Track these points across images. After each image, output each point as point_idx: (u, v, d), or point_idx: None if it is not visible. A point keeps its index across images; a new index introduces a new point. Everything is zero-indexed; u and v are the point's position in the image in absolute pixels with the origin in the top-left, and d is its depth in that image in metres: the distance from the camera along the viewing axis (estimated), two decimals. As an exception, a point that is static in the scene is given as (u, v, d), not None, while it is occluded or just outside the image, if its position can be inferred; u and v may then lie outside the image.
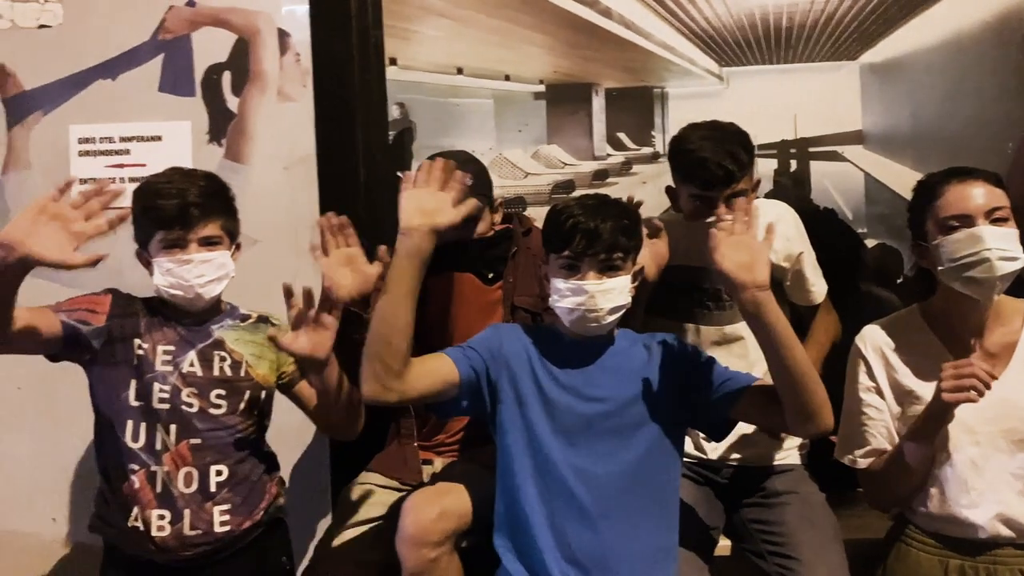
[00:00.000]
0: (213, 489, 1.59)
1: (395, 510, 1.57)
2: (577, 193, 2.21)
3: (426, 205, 1.39)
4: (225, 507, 1.59)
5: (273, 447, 1.76)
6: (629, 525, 1.44)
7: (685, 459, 1.74)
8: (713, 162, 1.65)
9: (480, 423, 1.77)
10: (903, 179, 2.18)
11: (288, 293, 1.51)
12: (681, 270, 1.75)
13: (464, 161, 1.82)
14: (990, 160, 2.09)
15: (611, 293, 1.43)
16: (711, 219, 1.66)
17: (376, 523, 1.71)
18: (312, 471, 2.16)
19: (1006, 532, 1.48)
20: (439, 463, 1.81)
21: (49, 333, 1.53)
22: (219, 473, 1.60)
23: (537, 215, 2.04)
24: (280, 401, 1.75)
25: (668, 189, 1.83)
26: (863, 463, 1.58)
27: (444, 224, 1.39)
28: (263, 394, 1.68)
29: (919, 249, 1.56)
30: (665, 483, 1.49)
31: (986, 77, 2.18)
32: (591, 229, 1.42)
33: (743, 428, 1.78)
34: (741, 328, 1.78)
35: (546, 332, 1.53)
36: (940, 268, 1.51)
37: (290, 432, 2.01)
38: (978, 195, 1.48)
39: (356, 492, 1.77)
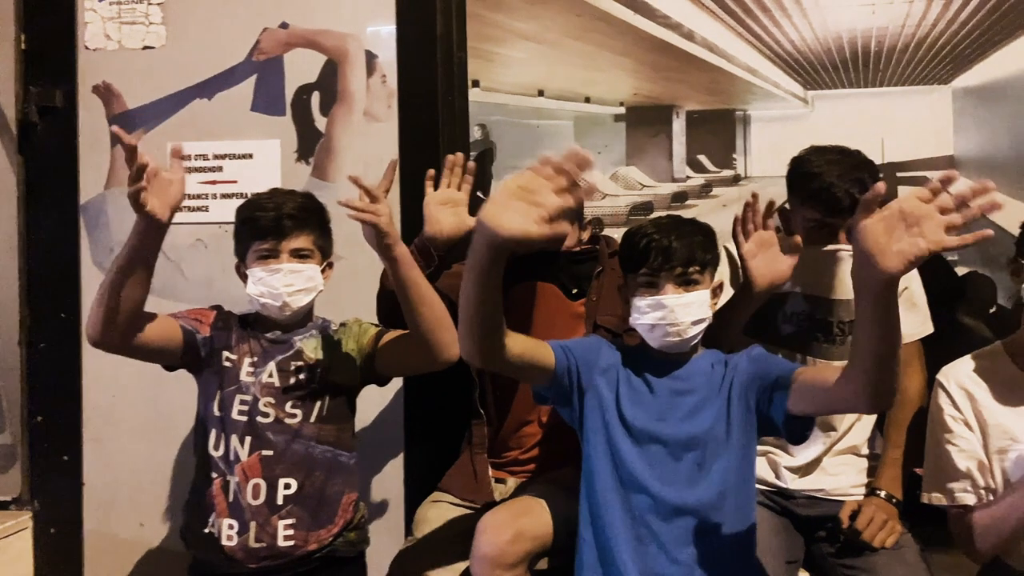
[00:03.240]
0: (280, 502, 1.62)
1: (469, 530, 1.58)
2: (654, 215, 2.21)
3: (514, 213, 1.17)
4: (290, 521, 1.62)
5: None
6: (708, 553, 1.42)
7: (763, 487, 1.72)
8: (840, 188, 1.61)
9: (555, 442, 1.81)
10: (998, 207, 2.11)
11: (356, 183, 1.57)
12: (791, 297, 1.71)
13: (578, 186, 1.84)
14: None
15: (691, 307, 1.43)
16: (829, 248, 1.63)
17: (451, 543, 1.70)
18: (385, 488, 2.20)
19: None
20: (512, 483, 1.82)
21: (175, 337, 1.63)
22: (287, 486, 1.63)
23: (615, 236, 2.05)
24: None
25: (781, 211, 1.79)
26: (962, 497, 1.51)
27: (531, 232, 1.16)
28: (342, 399, 1.71)
29: (1016, 265, 1.52)
30: (746, 504, 1.47)
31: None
32: (666, 246, 1.44)
33: (819, 452, 1.75)
34: None
35: (634, 352, 1.53)
36: None
37: (363, 446, 2.05)
38: None
39: (430, 512, 1.79)
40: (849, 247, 1.63)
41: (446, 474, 1.87)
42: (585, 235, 1.88)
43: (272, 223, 1.64)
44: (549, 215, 1.14)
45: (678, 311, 1.43)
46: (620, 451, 1.45)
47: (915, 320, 1.76)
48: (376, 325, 1.74)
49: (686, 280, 1.44)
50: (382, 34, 2.28)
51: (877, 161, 2.15)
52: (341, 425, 1.71)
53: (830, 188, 1.61)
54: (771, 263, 1.57)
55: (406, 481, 2.18)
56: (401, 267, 1.56)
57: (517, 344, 1.37)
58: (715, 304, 1.49)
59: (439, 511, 1.78)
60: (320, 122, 2.29)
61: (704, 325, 1.46)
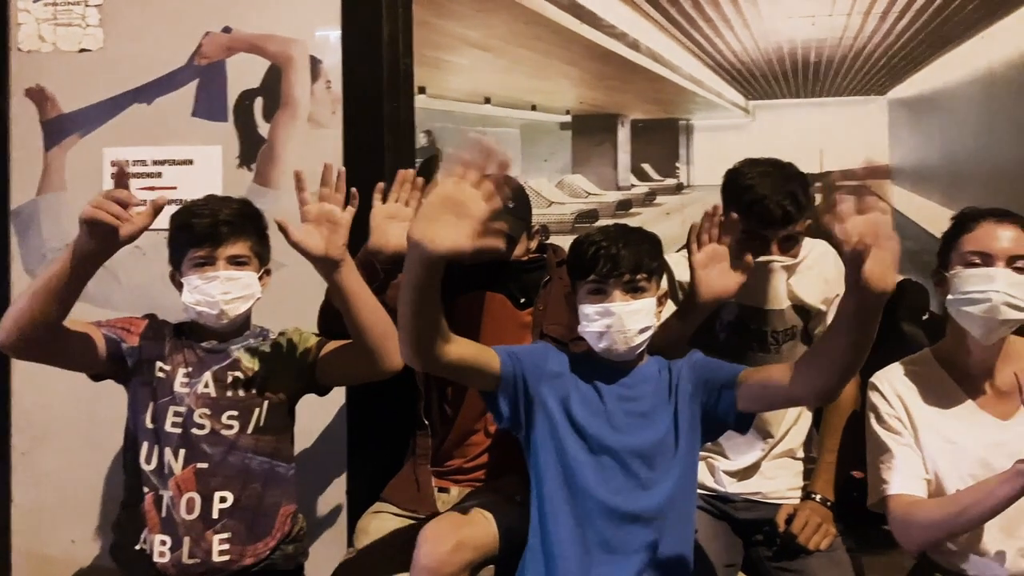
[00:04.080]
0: (215, 516, 1.58)
1: (411, 540, 1.56)
2: (600, 223, 2.23)
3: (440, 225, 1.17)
4: (225, 535, 1.58)
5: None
6: (653, 559, 1.43)
7: (702, 491, 1.73)
8: (772, 201, 1.63)
9: (501, 451, 1.80)
10: (930, 215, 2.17)
11: (298, 179, 1.54)
12: (727, 306, 1.73)
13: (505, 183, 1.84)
14: (1019, 197, 2.09)
15: (638, 314, 1.44)
16: (761, 259, 1.66)
17: (392, 554, 1.68)
18: (328, 499, 2.17)
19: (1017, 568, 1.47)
20: (456, 492, 1.80)
21: (96, 346, 1.59)
22: (223, 500, 1.59)
23: (560, 244, 2.06)
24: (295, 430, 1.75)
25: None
26: (903, 486, 1.52)
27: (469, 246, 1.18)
28: (281, 409, 1.68)
29: (938, 276, 1.57)
30: (689, 510, 1.49)
31: (1017, 114, 2.16)
32: (615, 253, 1.44)
33: (757, 458, 1.77)
34: None
35: (582, 359, 1.53)
36: (949, 297, 1.52)
37: (306, 458, 2.03)
38: (1006, 238, 1.49)
39: (371, 523, 1.77)
40: (781, 258, 1.67)
41: (388, 484, 1.85)
42: (533, 244, 1.88)
43: (208, 230, 1.60)
44: (481, 225, 1.13)
45: (626, 318, 1.44)
46: (569, 458, 1.45)
47: None
48: (316, 334, 1.72)
49: (634, 287, 1.45)
50: (327, 39, 2.26)
51: (815, 170, 2.21)
52: (279, 436, 1.68)
53: (763, 201, 1.63)
54: (720, 277, 1.58)
55: (349, 492, 2.16)
56: (345, 275, 1.54)
57: (460, 348, 1.36)
58: (660, 312, 1.50)
59: (380, 522, 1.76)
60: (263, 128, 2.26)
61: (650, 332, 1.47)
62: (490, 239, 1.15)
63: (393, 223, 1.74)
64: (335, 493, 2.18)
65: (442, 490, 1.81)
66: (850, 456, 1.75)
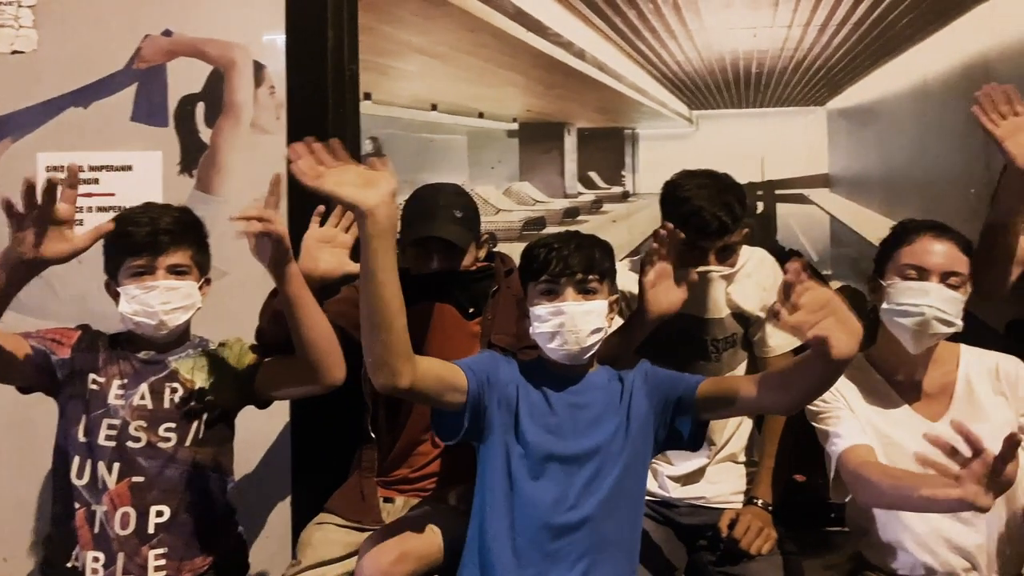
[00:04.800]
0: (151, 531, 1.55)
1: (355, 552, 1.54)
2: (547, 231, 2.24)
3: (360, 179, 1.32)
4: (162, 550, 1.55)
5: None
6: (597, 567, 1.43)
7: (646, 497, 1.74)
8: (708, 212, 1.65)
9: (448, 461, 1.80)
10: (868, 222, 2.22)
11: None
12: (670, 318, 1.75)
13: (455, 193, 1.85)
14: (953, 205, 2.16)
15: (590, 315, 1.45)
16: (700, 269, 1.69)
17: (335, 566, 1.67)
18: (272, 512, 2.13)
19: (946, 567, 1.51)
20: (401, 502, 1.79)
21: (24, 356, 1.54)
22: (160, 514, 1.56)
23: (508, 251, 2.06)
24: (238, 442, 1.72)
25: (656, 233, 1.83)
26: (847, 444, 1.53)
27: (395, 188, 1.32)
28: (220, 421, 1.65)
29: (874, 283, 1.60)
30: (634, 519, 1.49)
31: (951, 125, 2.22)
32: (567, 254, 1.46)
33: (701, 463, 1.79)
34: None
35: (531, 367, 1.53)
36: (883, 306, 1.56)
37: (250, 471, 1.99)
38: (942, 254, 1.53)
39: (314, 535, 1.74)
40: (720, 268, 1.69)
41: (333, 495, 1.82)
42: (482, 253, 1.88)
43: (147, 239, 1.57)
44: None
45: (578, 318, 1.44)
46: (514, 466, 1.45)
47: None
48: (255, 346, 1.69)
49: (585, 288, 1.46)
50: (271, 44, 2.23)
51: (756, 179, 2.26)
52: (219, 448, 1.65)
53: (699, 212, 1.66)
54: (666, 293, 1.60)
55: (294, 504, 2.13)
56: (292, 284, 1.52)
57: (428, 372, 1.37)
58: (611, 318, 1.51)
59: (324, 533, 1.73)
60: (205, 133, 2.22)
61: (601, 335, 1.48)
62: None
63: (325, 248, 1.73)
64: (280, 505, 2.14)
65: (387, 500, 1.80)
66: (792, 460, 1.78)
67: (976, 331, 1.68)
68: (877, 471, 1.47)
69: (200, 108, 2.23)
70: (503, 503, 1.44)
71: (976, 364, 1.60)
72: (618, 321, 1.65)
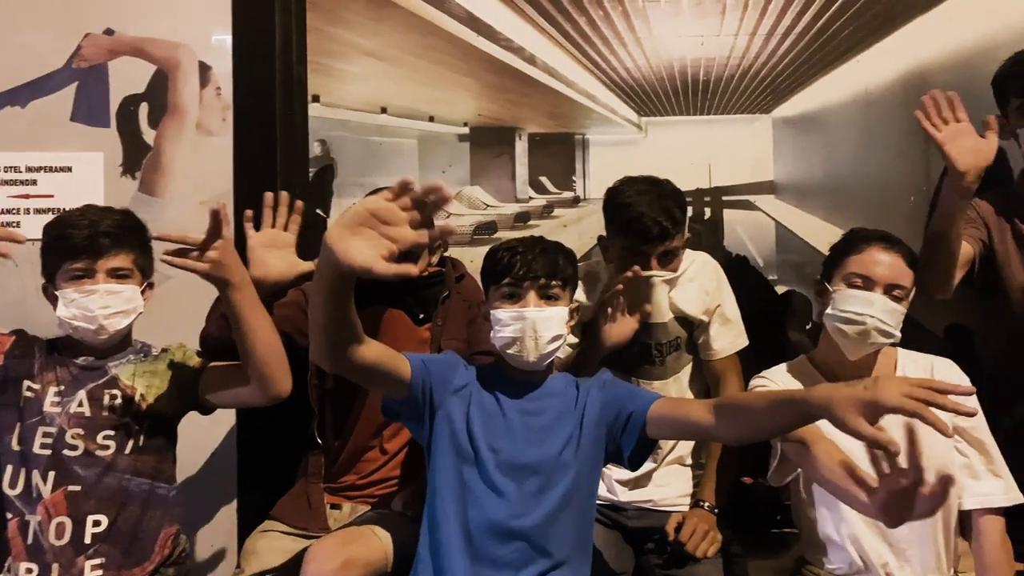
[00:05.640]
0: (88, 541, 1.51)
1: (300, 559, 1.52)
2: (498, 235, 2.24)
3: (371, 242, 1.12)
4: (98, 561, 1.51)
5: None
6: (546, 572, 1.42)
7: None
8: (649, 218, 1.68)
9: (395, 467, 1.78)
10: (812, 228, 2.27)
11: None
12: None
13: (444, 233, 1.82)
14: (894, 212, 2.22)
15: (551, 321, 1.45)
16: (643, 275, 1.70)
17: (281, 574, 1.64)
18: (216, 520, 2.10)
19: (879, 561, 1.54)
20: (348, 509, 1.77)
21: None
22: (97, 524, 1.52)
23: (458, 255, 2.06)
24: (182, 448, 1.68)
25: (600, 239, 1.85)
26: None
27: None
28: (162, 429, 1.61)
29: (820, 288, 1.63)
30: (585, 526, 1.49)
31: (892, 133, 2.28)
32: (531, 258, 1.46)
33: (649, 467, 1.81)
34: (671, 384, 1.83)
35: (488, 372, 1.52)
36: (828, 312, 1.59)
37: (194, 477, 1.95)
38: (889, 266, 1.56)
39: (259, 543, 1.71)
40: (662, 273, 1.72)
41: (278, 502, 1.80)
42: (434, 258, 1.87)
43: (86, 241, 1.53)
44: (398, 250, 1.08)
45: (539, 324, 1.44)
46: (465, 471, 1.44)
47: (730, 334, 1.86)
48: (200, 353, 1.66)
49: (548, 294, 1.46)
50: (217, 45, 2.19)
51: (704, 185, 2.29)
52: (160, 456, 1.61)
53: (640, 218, 1.68)
54: (619, 325, 1.65)
55: (239, 511, 2.09)
56: (236, 298, 1.49)
57: (373, 351, 1.34)
58: (571, 325, 1.51)
59: (269, 541, 1.71)
60: (148, 135, 2.18)
61: (560, 342, 1.48)
62: (404, 266, 1.08)
63: (272, 252, 1.69)
64: (226, 513, 2.10)
65: (334, 507, 1.78)
66: (738, 463, 1.81)
67: (916, 335, 1.72)
68: (821, 456, 1.47)
69: (143, 109, 2.18)
70: (455, 506, 1.43)
71: (912, 366, 1.63)
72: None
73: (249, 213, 1.73)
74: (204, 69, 2.19)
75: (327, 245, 1.11)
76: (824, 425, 1.22)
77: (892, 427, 1.54)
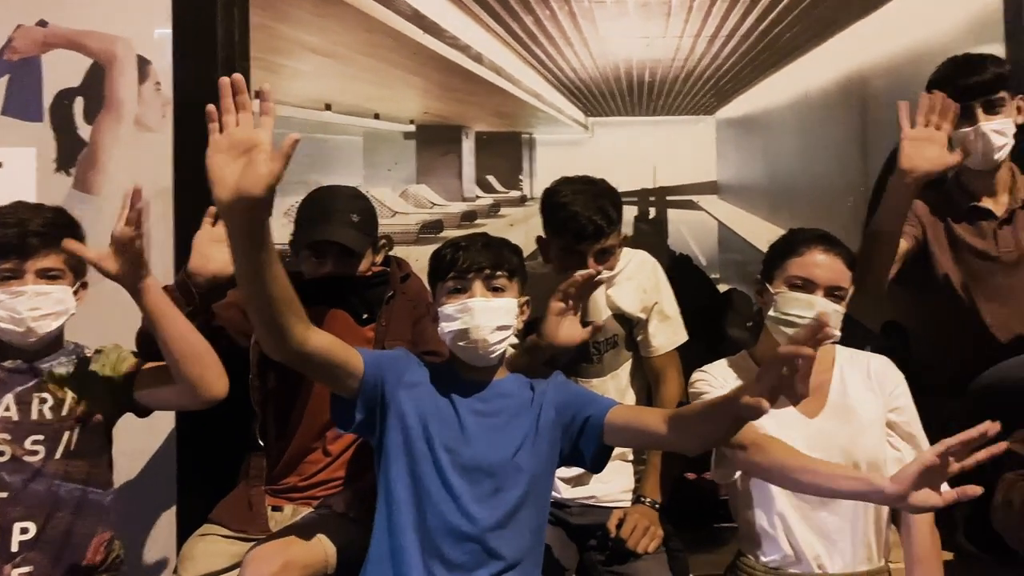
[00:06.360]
0: (15, 549, 1.47)
1: (239, 564, 1.49)
2: (445, 234, 2.24)
3: (235, 164, 1.15)
4: (26, 569, 1.47)
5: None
6: (499, 574, 1.42)
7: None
8: (584, 216, 1.70)
9: (339, 468, 1.76)
10: (754, 228, 2.31)
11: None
12: None
13: (352, 196, 1.82)
14: (833, 211, 2.27)
15: (498, 311, 1.45)
16: (580, 272, 1.71)
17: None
18: (155, 525, 2.06)
19: (811, 552, 1.57)
20: (290, 510, 1.75)
21: None
22: (24, 531, 1.48)
23: (404, 254, 2.04)
24: (120, 451, 1.64)
25: (539, 240, 1.85)
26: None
27: (261, 191, 1.12)
28: (95, 432, 1.57)
29: (761, 288, 1.66)
30: (538, 528, 1.49)
31: (831, 135, 2.34)
32: (476, 251, 1.46)
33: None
34: (608, 381, 1.84)
35: (441, 370, 1.51)
36: (770, 313, 1.61)
37: (132, 481, 1.90)
38: (830, 269, 1.58)
39: (197, 547, 1.68)
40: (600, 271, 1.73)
41: (218, 505, 1.77)
42: (378, 258, 1.86)
43: (15, 240, 1.49)
44: (265, 156, 1.12)
45: (486, 314, 1.43)
46: (420, 471, 1.42)
47: (669, 331, 1.89)
48: (135, 353, 1.62)
49: (493, 285, 1.46)
50: (156, 39, 2.15)
51: (649, 185, 2.31)
52: (93, 460, 1.57)
53: (575, 217, 1.70)
54: (568, 328, 1.62)
55: (179, 515, 2.05)
56: (149, 297, 1.45)
57: (321, 338, 1.32)
58: (521, 320, 1.51)
59: (208, 545, 1.68)
60: (84, 130, 2.12)
61: (508, 334, 1.47)
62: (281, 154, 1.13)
63: (219, 246, 1.67)
64: (165, 517, 2.07)
65: (276, 508, 1.75)
66: (681, 458, 1.83)
67: (854, 332, 1.76)
68: (775, 452, 1.50)
69: (79, 103, 2.13)
70: (410, 506, 1.42)
71: (849, 364, 1.67)
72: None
73: (212, 210, 1.70)
74: (143, 63, 2.14)
75: (224, 204, 1.13)
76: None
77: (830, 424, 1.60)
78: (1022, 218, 1.90)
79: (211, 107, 1.18)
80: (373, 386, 1.42)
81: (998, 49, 2.23)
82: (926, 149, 1.70)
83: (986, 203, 1.91)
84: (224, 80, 1.19)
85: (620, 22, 2.31)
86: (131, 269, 1.43)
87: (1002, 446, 1.28)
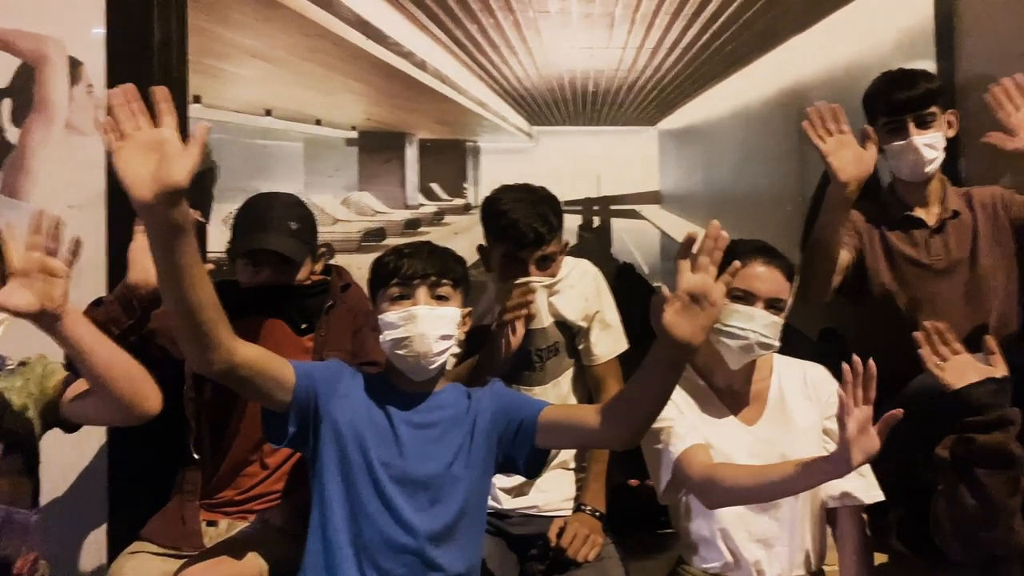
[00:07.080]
0: None
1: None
2: (387, 242, 2.21)
3: (148, 162, 1.12)
4: None
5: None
6: None
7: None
8: (525, 224, 1.71)
9: (275, 482, 1.73)
10: (696, 238, 2.34)
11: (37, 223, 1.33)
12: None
13: (290, 203, 1.79)
14: (771, 220, 2.31)
15: (442, 320, 1.43)
16: (521, 280, 1.72)
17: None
18: (85, 544, 1.99)
19: (751, 557, 1.59)
20: (225, 525, 1.71)
21: None
22: None
23: (346, 263, 2.01)
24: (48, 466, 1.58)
25: (480, 248, 1.85)
26: (684, 446, 1.57)
27: (182, 177, 1.11)
28: (19, 449, 1.50)
29: None
30: (476, 539, 1.48)
31: (770, 145, 2.38)
32: (422, 258, 1.45)
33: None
34: (550, 389, 1.83)
35: (376, 381, 1.49)
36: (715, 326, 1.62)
37: (60, 498, 1.84)
38: (770, 281, 1.61)
39: (127, 564, 1.63)
40: (540, 278, 1.75)
41: (149, 521, 1.72)
42: (318, 267, 1.83)
43: None
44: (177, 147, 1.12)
45: (430, 322, 1.41)
46: (354, 484, 1.40)
47: (611, 339, 1.89)
48: (66, 365, 1.56)
49: (438, 293, 1.44)
50: (89, 39, 2.09)
51: (593, 194, 2.32)
52: (17, 479, 1.49)
53: (516, 224, 1.71)
54: (519, 338, 1.66)
55: (110, 533, 1.99)
56: (66, 327, 1.33)
57: (250, 350, 1.29)
58: (464, 330, 1.49)
59: (138, 563, 1.63)
60: (12, 133, 2.06)
61: (450, 343, 1.45)
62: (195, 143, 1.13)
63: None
64: (96, 535, 2.00)
65: (211, 523, 1.71)
66: (622, 465, 1.83)
67: (792, 339, 1.79)
68: (732, 473, 1.52)
69: (6, 105, 2.06)
70: (344, 520, 1.39)
71: (787, 372, 1.70)
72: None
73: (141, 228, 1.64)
74: (75, 65, 2.08)
75: (141, 204, 1.11)
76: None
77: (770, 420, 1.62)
78: (952, 228, 1.96)
79: (106, 119, 1.16)
80: (305, 399, 1.39)
81: (930, 65, 2.30)
82: (847, 155, 1.76)
83: (919, 213, 1.97)
84: (115, 91, 1.17)
85: (564, 32, 2.32)
86: (47, 302, 1.30)
87: (898, 413, 1.36)
